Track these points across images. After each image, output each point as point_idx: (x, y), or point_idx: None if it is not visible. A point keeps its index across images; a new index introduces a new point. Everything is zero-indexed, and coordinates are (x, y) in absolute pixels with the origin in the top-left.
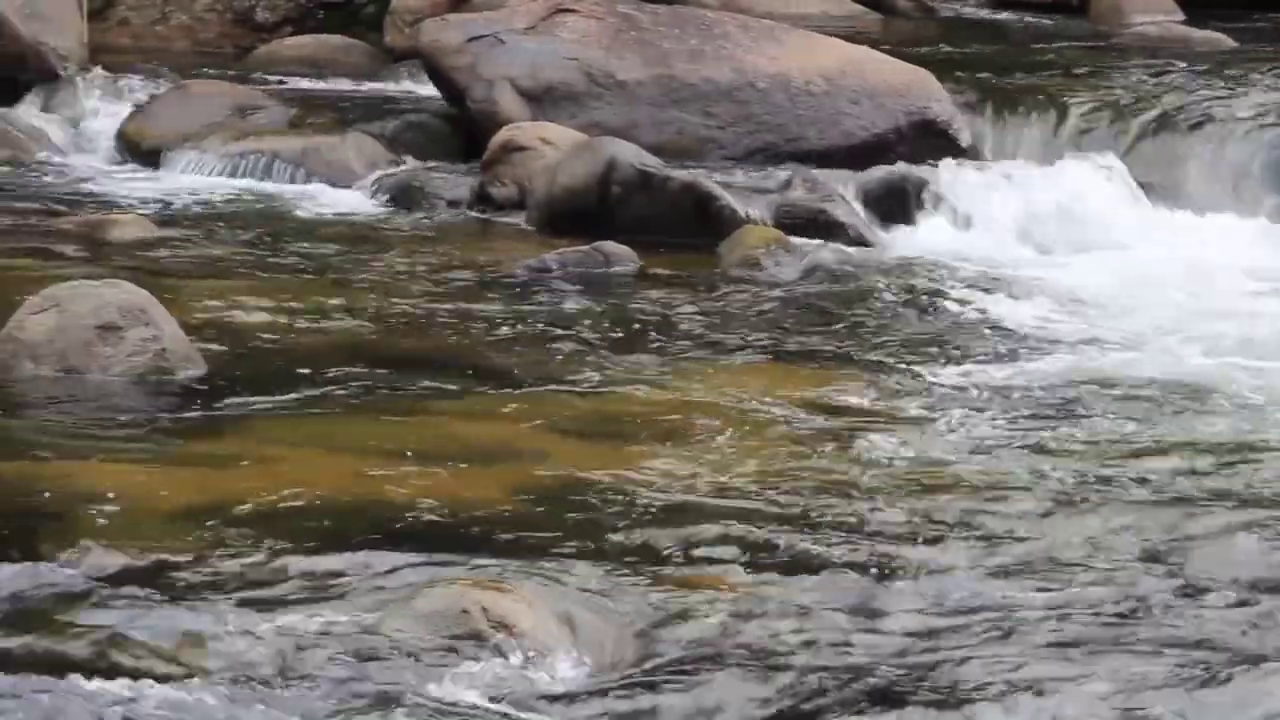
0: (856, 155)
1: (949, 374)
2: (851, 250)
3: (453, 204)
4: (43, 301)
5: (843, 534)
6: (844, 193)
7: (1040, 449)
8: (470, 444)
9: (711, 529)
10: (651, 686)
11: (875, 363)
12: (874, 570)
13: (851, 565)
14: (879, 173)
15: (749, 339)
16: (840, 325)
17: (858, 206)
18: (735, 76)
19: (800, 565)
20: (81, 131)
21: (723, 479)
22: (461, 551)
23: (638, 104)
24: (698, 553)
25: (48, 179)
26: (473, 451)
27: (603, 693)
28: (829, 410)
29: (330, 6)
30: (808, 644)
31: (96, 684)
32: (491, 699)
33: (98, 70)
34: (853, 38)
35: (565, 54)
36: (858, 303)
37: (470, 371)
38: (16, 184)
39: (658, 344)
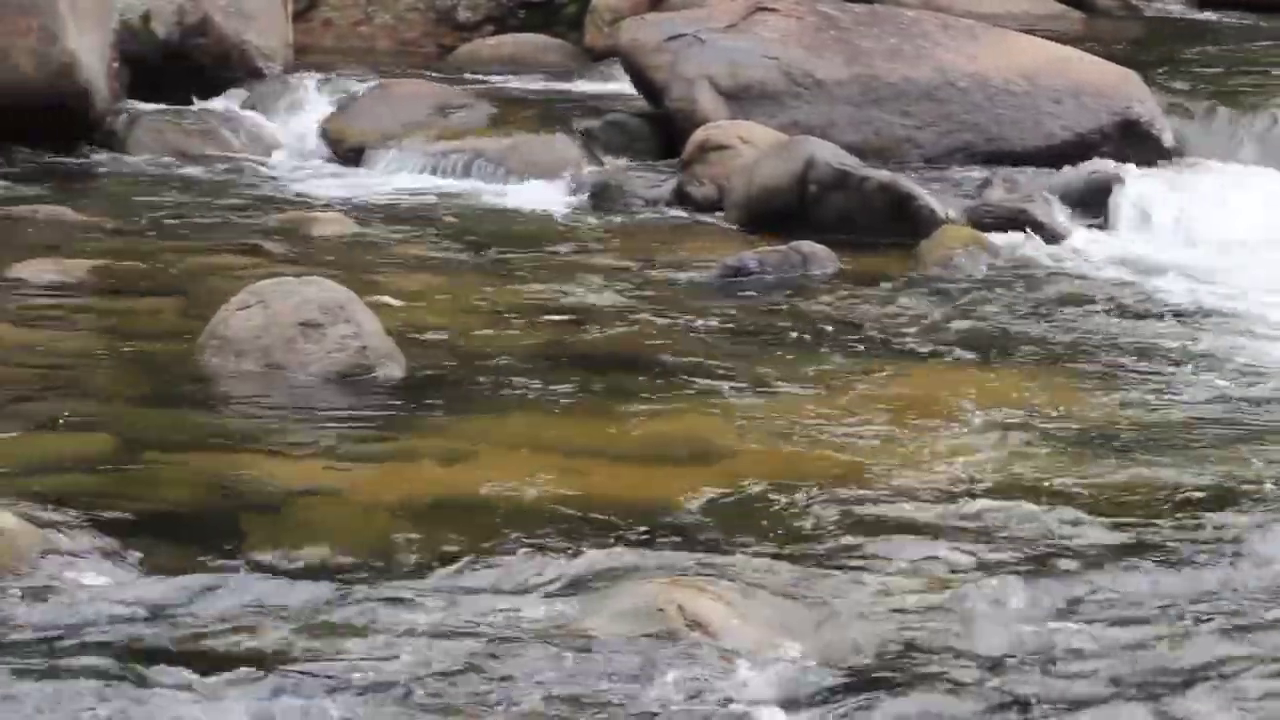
0: (1057, 155)
1: (1159, 382)
2: (1052, 251)
3: (651, 203)
4: (247, 298)
5: (1042, 536)
6: (1045, 193)
7: (1233, 464)
8: (668, 443)
9: (910, 528)
10: (847, 689)
11: (1077, 367)
12: (1088, 575)
13: (1058, 570)
14: (1082, 173)
15: (948, 340)
16: (1041, 328)
17: (1059, 207)
18: (935, 76)
19: (1001, 568)
20: (285, 130)
21: (923, 479)
22: (657, 550)
23: (836, 103)
24: (896, 552)
25: (252, 177)
26: (670, 450)
27: (798, 693)
28: (1026, 414)
29: (531, 6)
30: (1013, 649)
31: (303, 677)
32: (685, 698)
33: (301, 69)
34: (1054, 37)
35: (765, 53)
36: (1058, 305)
37: (668, 370)
38: (222, 181)
39: (856, 344)
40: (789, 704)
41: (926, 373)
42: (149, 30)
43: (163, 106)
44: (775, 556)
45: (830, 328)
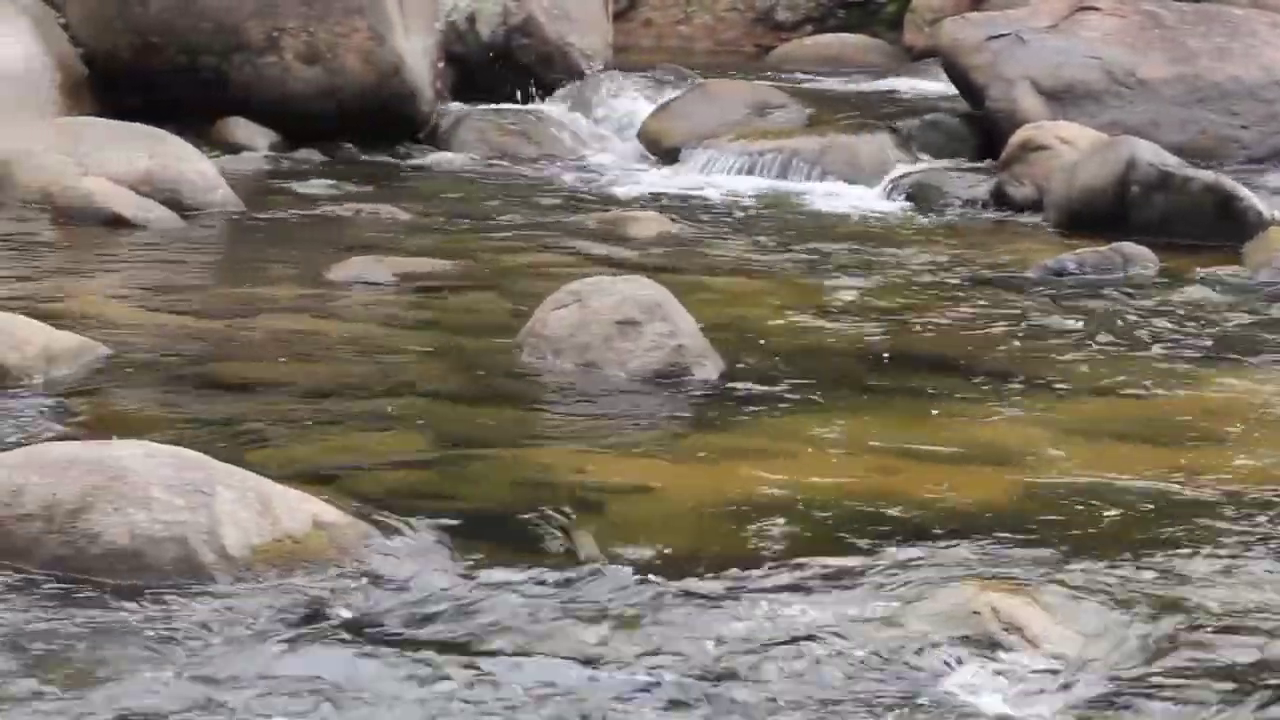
0: None
1: None
2: None
3: (969, 203)
4: (564, 296)
5: None
6: None
7: None
8: (981, 444)
9: (1228, 534)
10: (1167, 698)
11: None
12: None
13: None
14: None
15: (1274, 344)
16: None
17: None
18: (1262, 75)
19: None
20: (604, 129)
21: (1243, 485)
22: (972, 552)
23: (1160, 103)
24: (1220, 559)
25: (571, 175)
26: (983, 451)
27: (1115, 700)
28: None
29: (850, 5)
30: None
31: (617, 673)
32: (1000, 701)
33: (621, 69)
34: None
35: (1087, 52)
36: None
37: (982, 371)
38: (543, 180)
39: (1175, 347)
40: (1105, 712)
41: (1250, 377)
42: (474, 31)
43: (486, 106)
44: (1093, 559)
45: (1151, 330)
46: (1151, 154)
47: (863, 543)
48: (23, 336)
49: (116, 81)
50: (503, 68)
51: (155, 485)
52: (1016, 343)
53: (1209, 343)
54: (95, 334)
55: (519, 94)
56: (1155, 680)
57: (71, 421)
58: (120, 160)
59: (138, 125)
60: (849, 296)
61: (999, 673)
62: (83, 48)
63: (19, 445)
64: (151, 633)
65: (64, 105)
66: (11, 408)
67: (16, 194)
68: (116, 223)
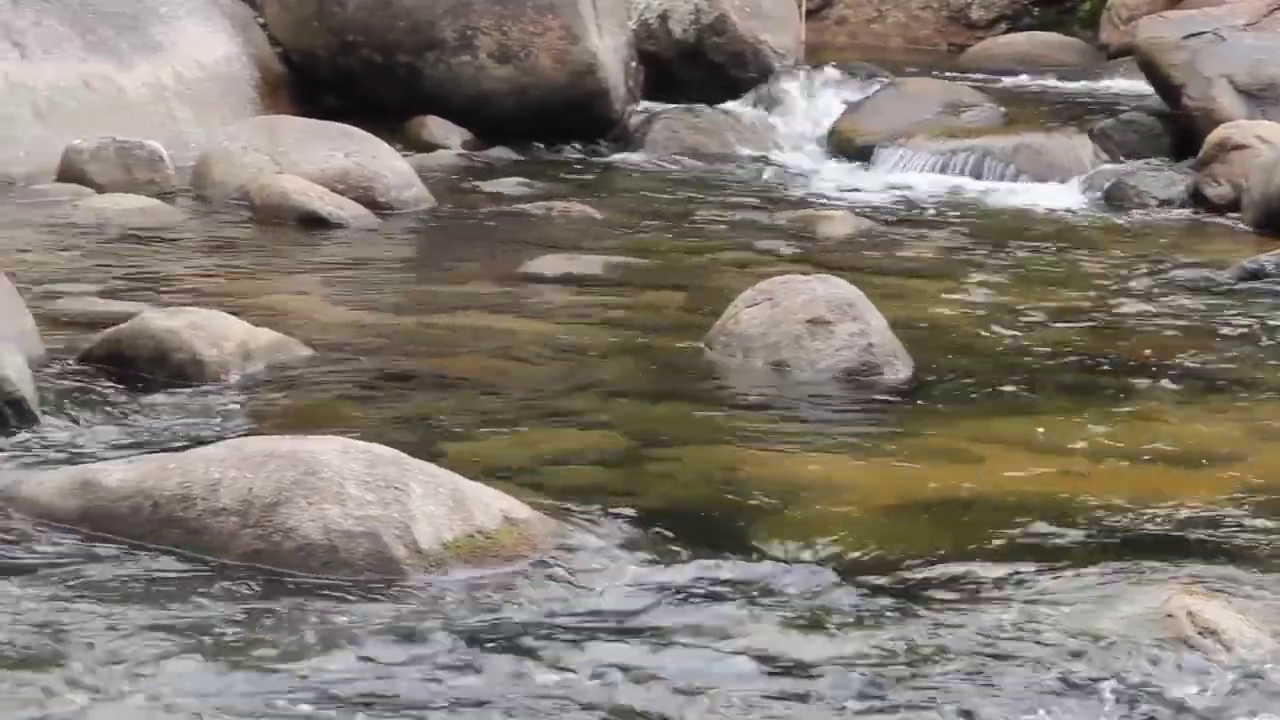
0: None
1: None
2: None
3: (1165, 203)
4: (756, 295)
5: None
6: None
7: None
8: (1175, 446)
9: None
10: None
11: None
12: None
13: None
14: None
15: None
16: None
17: None
18: None
19: None
20: (796, 128)
21: None
22: (1166, 555)
23: None
24: None
25: (763, 174)
26: (1178, 454)
27: None
28: None
29: (1045, 3)
30: None
31: (802, 671)
32: (1194, 705)
33: (813, 67)
34: None
35: None
36: None
37: (1177, 373)
38: (734, 179)
39: None
40: None
41: None
42: (666, 29)
43: (678, 105)
44: None
45: None
46: None
47: (1056, 544)
48: (221, 332)
49: (313, 80)
50: (695, 66)
51: (349, 481)
52: (1212, 344)
53: None
54: (291, 330)
55: (712, 93)
56: None
57: (267, 417)
58: (316, 158)
59: (333, 124)
60: (1041, 296)
61: (1193, 676)
62: (281, 47)
63: (216, 439)
64: (344, 627)
65: (262, 104)
66: (209, 403)
67: (215, 191)
68: (312, 220)
